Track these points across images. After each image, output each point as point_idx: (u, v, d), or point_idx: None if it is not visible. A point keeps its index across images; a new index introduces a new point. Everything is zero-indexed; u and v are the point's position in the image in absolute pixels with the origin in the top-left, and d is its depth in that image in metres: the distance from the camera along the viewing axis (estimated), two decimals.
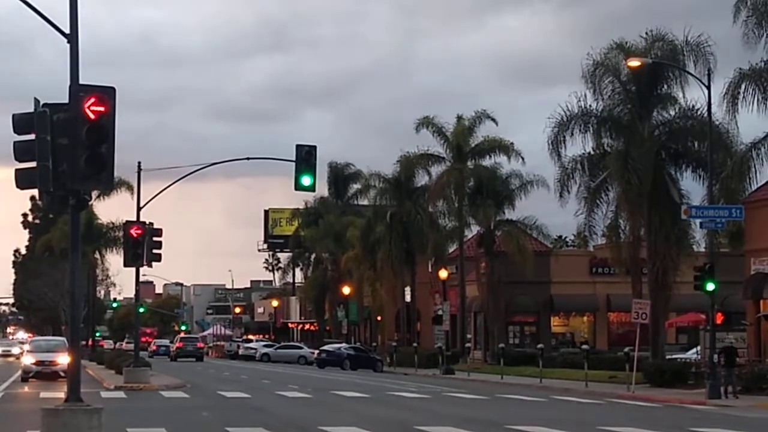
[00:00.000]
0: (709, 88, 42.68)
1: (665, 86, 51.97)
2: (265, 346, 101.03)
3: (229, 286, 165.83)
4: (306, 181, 34.11)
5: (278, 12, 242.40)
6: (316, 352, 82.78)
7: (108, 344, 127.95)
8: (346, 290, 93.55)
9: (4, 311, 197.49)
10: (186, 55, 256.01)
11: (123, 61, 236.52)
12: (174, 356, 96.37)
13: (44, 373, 49.01)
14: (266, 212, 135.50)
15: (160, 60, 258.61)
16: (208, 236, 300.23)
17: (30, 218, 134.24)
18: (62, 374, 44.85)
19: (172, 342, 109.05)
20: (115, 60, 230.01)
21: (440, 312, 73.07)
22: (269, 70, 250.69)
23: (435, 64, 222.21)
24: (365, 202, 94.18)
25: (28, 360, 51.22)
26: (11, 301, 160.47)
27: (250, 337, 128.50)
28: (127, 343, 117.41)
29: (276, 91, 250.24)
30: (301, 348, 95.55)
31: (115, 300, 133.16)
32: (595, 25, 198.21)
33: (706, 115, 44.26)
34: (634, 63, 47.65)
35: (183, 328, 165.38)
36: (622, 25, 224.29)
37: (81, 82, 18.23)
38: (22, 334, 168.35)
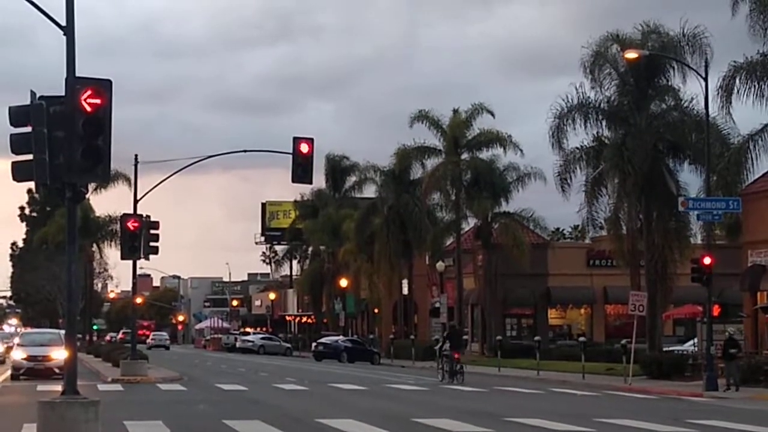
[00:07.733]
0: (706, 79, 42.65)
1: (663, 78, 51.94)
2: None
3: (226, 279, 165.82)
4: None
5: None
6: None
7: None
8: (343, 283, 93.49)
9: (1, 304, 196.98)
10: (187, 45, 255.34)
11: (123, 51, 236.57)
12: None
13: (37, 370, 44.63)
14: (263, 205, 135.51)
15: (161, 50, 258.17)
16: (205, 229, 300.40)
17: (27, 211, 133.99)
18: (57, 371, 41.94)
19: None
20: (115, 50, 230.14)
21: (437, 304, 73.13)
22: (271, 59, 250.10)
23: (439, 54, 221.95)
24: (362, 195, 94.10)
25: (18, 355, 46.14)
26: (8, 294, 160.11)
27: (248, 329, 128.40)
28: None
29: (278, 81, 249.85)
30: None
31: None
32: (602, 16, 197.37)
33: (703, 107, 44.24)
34: (632, 55, 47.59)
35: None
36: (629, 16, 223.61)
37: (80, 73, 18.17)
38: (6, 328, 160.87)
